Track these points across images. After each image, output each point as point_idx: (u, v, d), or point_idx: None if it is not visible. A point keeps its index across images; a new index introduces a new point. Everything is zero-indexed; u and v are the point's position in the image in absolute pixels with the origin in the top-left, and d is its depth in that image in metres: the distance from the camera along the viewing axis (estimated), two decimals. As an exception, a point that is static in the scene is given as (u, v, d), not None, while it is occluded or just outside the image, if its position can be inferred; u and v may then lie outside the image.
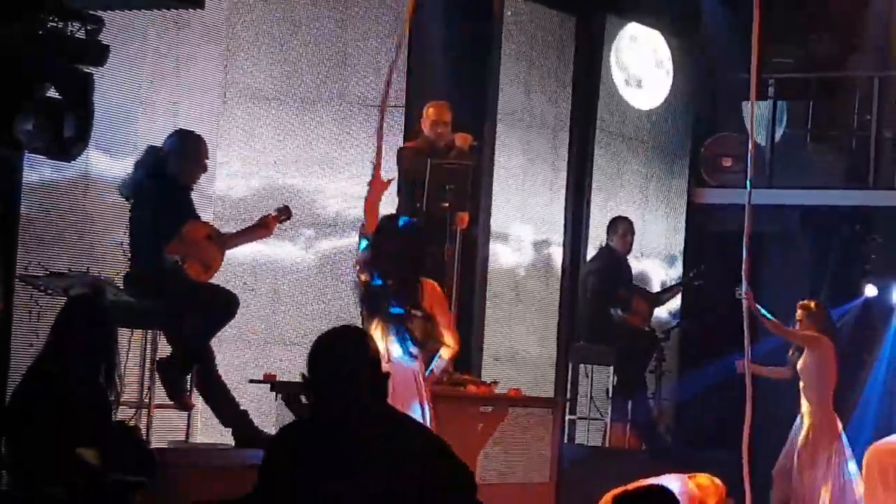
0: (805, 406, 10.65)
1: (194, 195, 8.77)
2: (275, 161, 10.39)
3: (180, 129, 8.75)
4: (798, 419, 10.72)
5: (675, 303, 12.89)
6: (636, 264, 12.55)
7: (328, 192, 10.50)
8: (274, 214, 8.82)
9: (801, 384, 10.68)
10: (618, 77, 12.79)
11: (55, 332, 5.83)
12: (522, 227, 11.73)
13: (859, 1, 13.62)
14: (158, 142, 8.68)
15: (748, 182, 9.69)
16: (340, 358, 4.33)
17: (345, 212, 10.47)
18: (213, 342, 8.54)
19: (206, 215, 9.51)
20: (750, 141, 10.23)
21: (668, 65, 13.24)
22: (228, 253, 8.87)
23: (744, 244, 9.36)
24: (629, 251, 12.03)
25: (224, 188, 10.17)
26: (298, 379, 8.89)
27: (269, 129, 10.38)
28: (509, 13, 11.48)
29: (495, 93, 11.18)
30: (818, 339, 10.72)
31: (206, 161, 8.63)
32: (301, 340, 10.29)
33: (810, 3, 13.66)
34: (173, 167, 8.43)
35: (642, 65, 13.02)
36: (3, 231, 8.24)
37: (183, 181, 8.49)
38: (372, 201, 8.15)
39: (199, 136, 8.67)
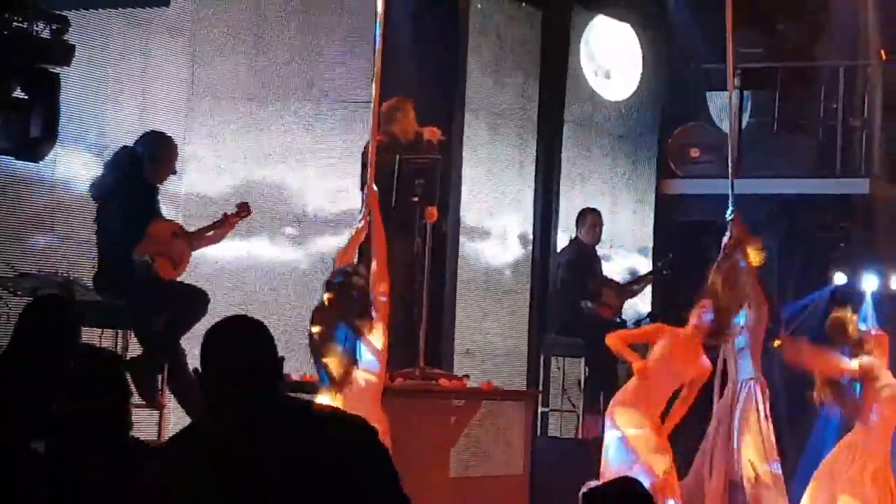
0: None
1: (162, 193, 8.78)
2: (244, 157, 10.37)
3: (152, 130, 8.73)
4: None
5: (646, 293, 12.92)
6: (606, 255, 12.59)
7: (299, 188, 10.50)
8: (233, 212, 8.87)
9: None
10: (587, 68, 12.81)
11: (18, 332, 5.75)
12: (492, 220, 11.75)
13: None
14: (126, 140, 8.69)
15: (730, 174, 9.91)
16: (237, 350, 4.09)
17: (324, 208, 10.49)
18: (186, 340, 8.54)
19: (174, 213, 9.51)
20: (730, 130, 10.32)
21: (638, 56, 13.27)
22: (209, 253, 8.84)
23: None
24: (597, 242, 12.04)
25: (193, 186, 10.15)
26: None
27: (237, 126, 10.36)
28: (479, 6, 11.48)
29: (462, 86, 11.18)
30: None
31: (176, 162, 8.65)
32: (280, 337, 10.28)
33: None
34: (144, 169, 8.43)
35: (612, 56, 13.04)
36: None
37: (153, 182, 8.52)
38: (351, 248, 8.11)
39: (169, 137, 8.69)
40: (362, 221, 8.04)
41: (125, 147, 8.61)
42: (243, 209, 8.94)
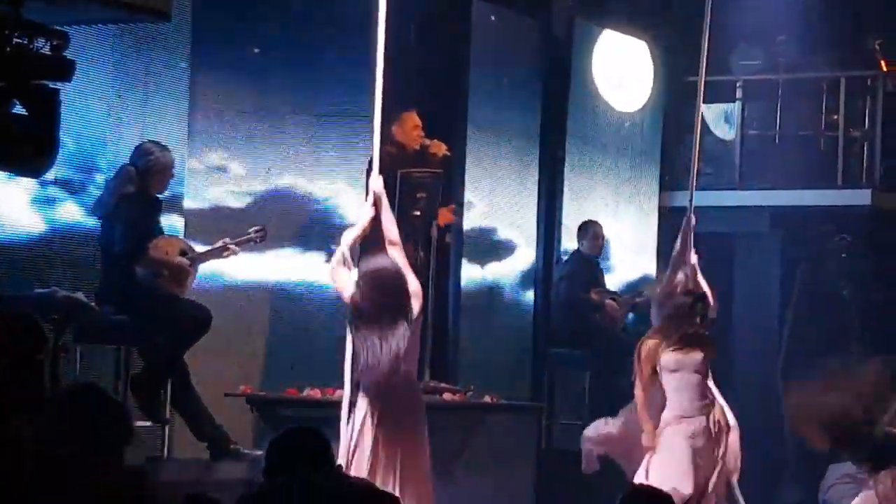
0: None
1: (168, 207, 8.80)
2: (246, 170, 10.36)
3: (144, 142, 8.73)
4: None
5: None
6: (609, 267, 12.57)
7: (306, 198, 10.50)
8: (240, 238, 8.86)
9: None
10: (599, 81, 12.80)
11: None
12: (495, 233, 11.73)
13: (822, 1, 13.69)
14: (127, 154, 8.68)
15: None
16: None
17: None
18: (194, 355, 8.52)
19: (180, 227, 9.50)
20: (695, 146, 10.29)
21: (649, 67, 13.27)
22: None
23: None
24: (599, 254, 12.04)
25: (196, 200, 10.12)
26: (276, 394, 9.01)
27: (240, 140, 10.34)
28: (492, 17, 11.45)
29: (465, 100, 11.18)
30: None
31: (173, 170, 8.63)
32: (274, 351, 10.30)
33: (776, 5, 13.70)
34: (142, 181, 8.44)
35: (622, 68, 13.03)
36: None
37: (154, 192, 8.50)
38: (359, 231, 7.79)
39: (163, 146, 8.67)
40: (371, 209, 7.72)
41: (123, 165, 8.62)
42: (258, 234, 8.95)
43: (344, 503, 4.89)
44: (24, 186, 8.60)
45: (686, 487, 8.73)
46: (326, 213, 10.54)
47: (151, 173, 8.48)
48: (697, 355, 9.09)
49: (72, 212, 8.95)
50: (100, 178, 8.90)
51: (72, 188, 8.93)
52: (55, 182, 8.81)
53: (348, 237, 7.66)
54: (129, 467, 4.74)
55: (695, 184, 10.21)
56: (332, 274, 7.64)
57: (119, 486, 4.63)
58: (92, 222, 8.66)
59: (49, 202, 8.86)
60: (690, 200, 9.96)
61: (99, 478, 4.63)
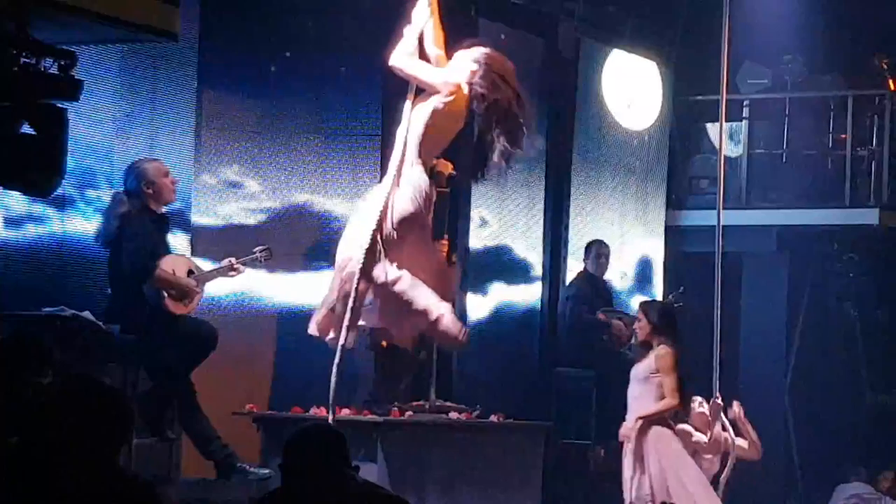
0: None
1: (173, 224, 8.80)
2: (254, 190, 10.37)
3: (133, 163, 8.64)
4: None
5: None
6: (617, 286, 12.57)
7: (317, 217, 10.51)
8: (247, 257, 8.86)
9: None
10: (608, 100, 12.81)
11: None
12: (501, 252, 11.73)
13: (828, 21, 13.71)
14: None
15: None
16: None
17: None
18: (201, 374, 8.52)
19: (182, 240, 9.51)
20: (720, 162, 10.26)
21: (657, 88, 13.29)
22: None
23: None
24: (604, 273, 12.04)
25: (204, 218, 10.14)
26: (283, 413, 8.99)
27: (248, 158, 10.35)
28: (502, 36, 11.46)
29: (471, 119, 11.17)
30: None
31: (171, 179, 8.53)
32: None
33: (782, 25, 13.73)
34: (140, 200, 8.38)
35: (630, 88, 13.05)
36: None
37: (156, 208, 8.44)
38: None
39: (153, 159, 8.62)
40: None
41: (116, 192, 8.55)
42: (263, 254, 8.96)
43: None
44: (32, 203, 8.61)
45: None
46: (338, 232, 10.56)
47: (143, 187, 8.40)
48: (642, 365, 9.18)
49: (80, 230, 8.96)
50: (105, 197, 8.88)
51: (80, 206, 8.95)
52: (64, 199, 8.82)
53: (417, 19, 7.53)
54: (137, 478, 4.62)
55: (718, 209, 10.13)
56: (408, 66, 7.44)
57: (125, 497, 4.52)
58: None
59: (57, 220, 8.87)
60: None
61: (96, 484, 4.50)
